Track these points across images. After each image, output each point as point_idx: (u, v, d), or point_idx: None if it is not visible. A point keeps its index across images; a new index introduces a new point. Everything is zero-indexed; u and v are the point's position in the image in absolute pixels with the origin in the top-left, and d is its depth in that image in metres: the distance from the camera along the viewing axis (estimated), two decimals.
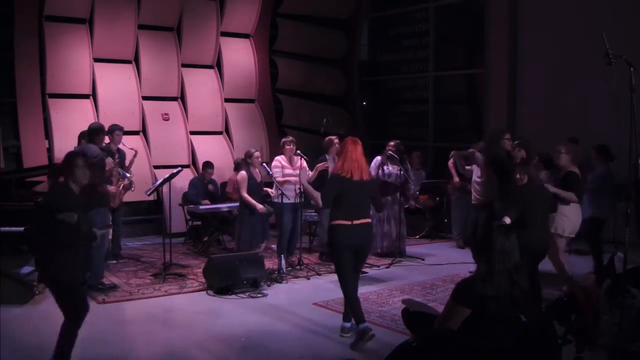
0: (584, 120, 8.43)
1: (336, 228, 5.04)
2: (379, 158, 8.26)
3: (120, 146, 7.58)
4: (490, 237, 3.33)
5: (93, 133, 6.50)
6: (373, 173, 8.01)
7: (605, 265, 6.63)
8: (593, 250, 6.94)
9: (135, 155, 7.85)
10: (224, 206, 8.60)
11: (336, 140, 7.81)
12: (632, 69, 4.69)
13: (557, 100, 9.39)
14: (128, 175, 7.44)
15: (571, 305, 3.82)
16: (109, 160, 6.91)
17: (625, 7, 8.64)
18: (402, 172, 8.14)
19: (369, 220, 5.15)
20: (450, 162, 8.89)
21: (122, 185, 7.12)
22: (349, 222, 4.99)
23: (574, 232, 6.38)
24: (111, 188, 6.61)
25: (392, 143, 8.20)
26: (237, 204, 7.71)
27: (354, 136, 5.35)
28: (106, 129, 7.07)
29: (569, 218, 6.21)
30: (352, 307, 5.10)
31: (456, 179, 8.80)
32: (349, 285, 5.12)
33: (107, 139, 7.58)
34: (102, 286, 6.43)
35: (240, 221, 7.41)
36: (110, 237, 7.91)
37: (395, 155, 8.17)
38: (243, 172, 7.31)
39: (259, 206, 7.21)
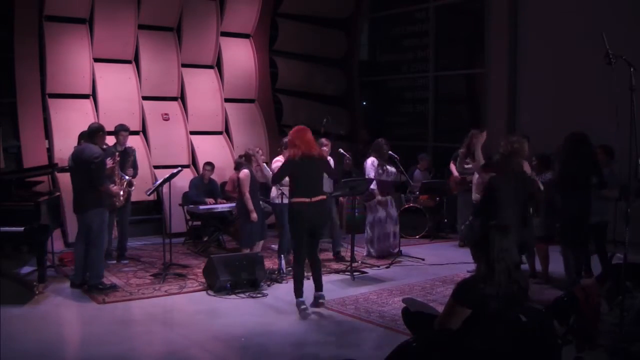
0: (584, 120, 8.41)
1: (296, 205, 5.73)
2: (374, 160, 8.17)
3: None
4: (488, 237, 3.33)
5: (93, 133, 6.50)
6: (372, 174, 8.04)
7: (605, 265, 6.62)
8: (600, 254, 6.83)
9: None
10: (224, 206, 8.60)
11: (325, 142, 7.82)
12: (632, 69, 4.69)
13: (557, 100, 9.38)
14: (127, 177, 7.46)
15: (571, 305, 3.83)
16: (108, 160, 6.93)
17: (626, 7, 8.63)
18: (400, 172, 8.19)
19: (324, 197, 5.89)
20: (452, 162, 8.93)
21: (124, 184, 7.14)
22: (307, 200, 5.69)
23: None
24: (115, 188, 6.63)
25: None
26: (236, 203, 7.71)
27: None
28: (109, 129, 7.09)
29: None
30: (300, 280, 5.84)
31: (456, 173, 8.82)
32: (301, 257, 5.85)
33: (113, 139, 7.64)
34: (102, 286, 6.42)
35: (242, 219, 7.39)
36: (114, 236, 7.92)
37: (395, 156, 8.21)
38: (246, 171, 7.23)
39: (253, 215, 7.18)
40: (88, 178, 6.32)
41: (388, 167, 8.24)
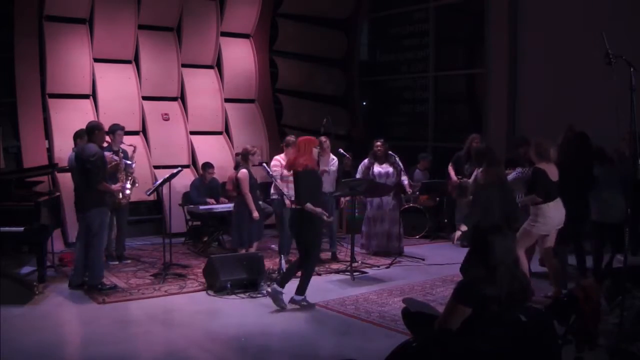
0: (584, 120, 8.42)
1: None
2: (365, 161, 8.35)
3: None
4: (488, 237, 3.33)
5: (90, 131, 6.48)
6: (359, 175, 8.13)
7: (605, 265, 6.62)
8: (593, 253, 6.83)
9: (134, 151, 7.84)
10: (224, 206, 8.58)
11: (324, 140, 7.88)
12: (632, 69, 4.69)
13: (557, 100, 9.38)
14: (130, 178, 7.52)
15: (571, 305, 3.82)
16: (113, 157, 7.00)
17: (625, 7, 8.63)
18: (395, 171, 8.20)
19: (300, 206, 5.90)
20: (451, 165, 8.89)
21: (129, 181, 7.16)
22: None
23: (560, 224, 6.15)
24: (115, 186, 6.62)
25: (379, 143, 8.31)
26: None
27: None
28: (107, 128, 7.09)
29: (548, 217, 6.03)
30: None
31: (454, 177, 8.79)
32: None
33: (108, 139, 7.61)
34: (102, 286, 6.42)
35: (236, 218, 7.42)
36: (114, 237, 7.91)
37: (393, 155, 8.22)
38: (244, 170, 7.31)
39: (255, 213, 7.27)
40: (86, 177, 6.34)
41: (381, 168, 8.24)
